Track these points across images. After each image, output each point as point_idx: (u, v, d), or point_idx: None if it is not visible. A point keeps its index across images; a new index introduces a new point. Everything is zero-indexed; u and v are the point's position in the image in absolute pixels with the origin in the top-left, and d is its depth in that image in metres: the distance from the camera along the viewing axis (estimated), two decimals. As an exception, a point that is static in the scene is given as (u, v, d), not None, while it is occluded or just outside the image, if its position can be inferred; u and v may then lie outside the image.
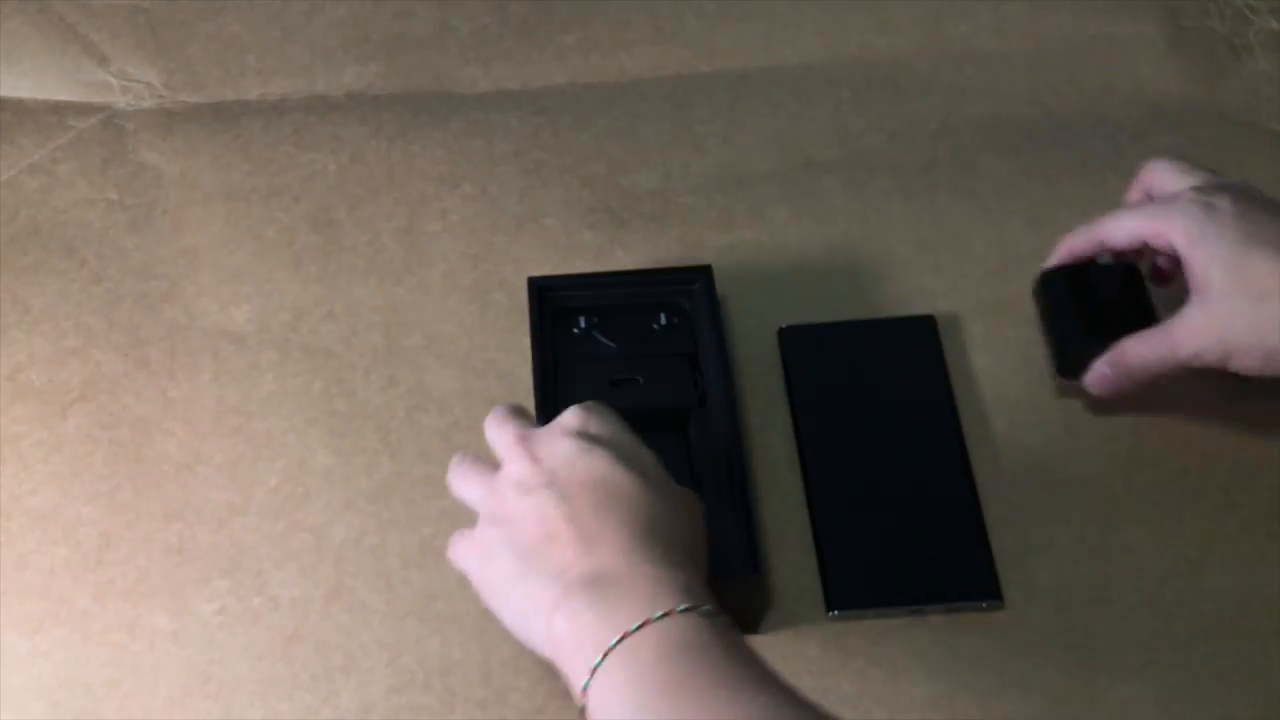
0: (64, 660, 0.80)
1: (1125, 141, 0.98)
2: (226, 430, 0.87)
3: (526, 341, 0.85)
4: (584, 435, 0.69)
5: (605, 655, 0.60)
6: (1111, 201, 0.95)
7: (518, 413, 0.74)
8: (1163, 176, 0.83)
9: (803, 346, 0.88)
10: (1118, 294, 0.85)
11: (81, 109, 1.01)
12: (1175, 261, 0.80)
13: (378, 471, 0.86)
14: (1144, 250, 0.83)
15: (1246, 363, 0.76)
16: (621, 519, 0.66)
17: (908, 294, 0.92)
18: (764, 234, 0.95)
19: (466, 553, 0.70)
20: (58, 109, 1.01)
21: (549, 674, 0.74)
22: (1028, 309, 0.90)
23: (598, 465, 0.67)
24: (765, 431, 0.86)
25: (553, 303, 0.86)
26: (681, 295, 0.87)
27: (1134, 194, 0.85)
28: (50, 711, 0.78)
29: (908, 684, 0.79)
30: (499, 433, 0.72)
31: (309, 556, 0.83)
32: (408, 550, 0.83)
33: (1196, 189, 0.80)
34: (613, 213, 0.96)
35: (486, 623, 0.80)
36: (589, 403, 0.72)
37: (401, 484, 0.85)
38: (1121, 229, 0.81)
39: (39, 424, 0.88)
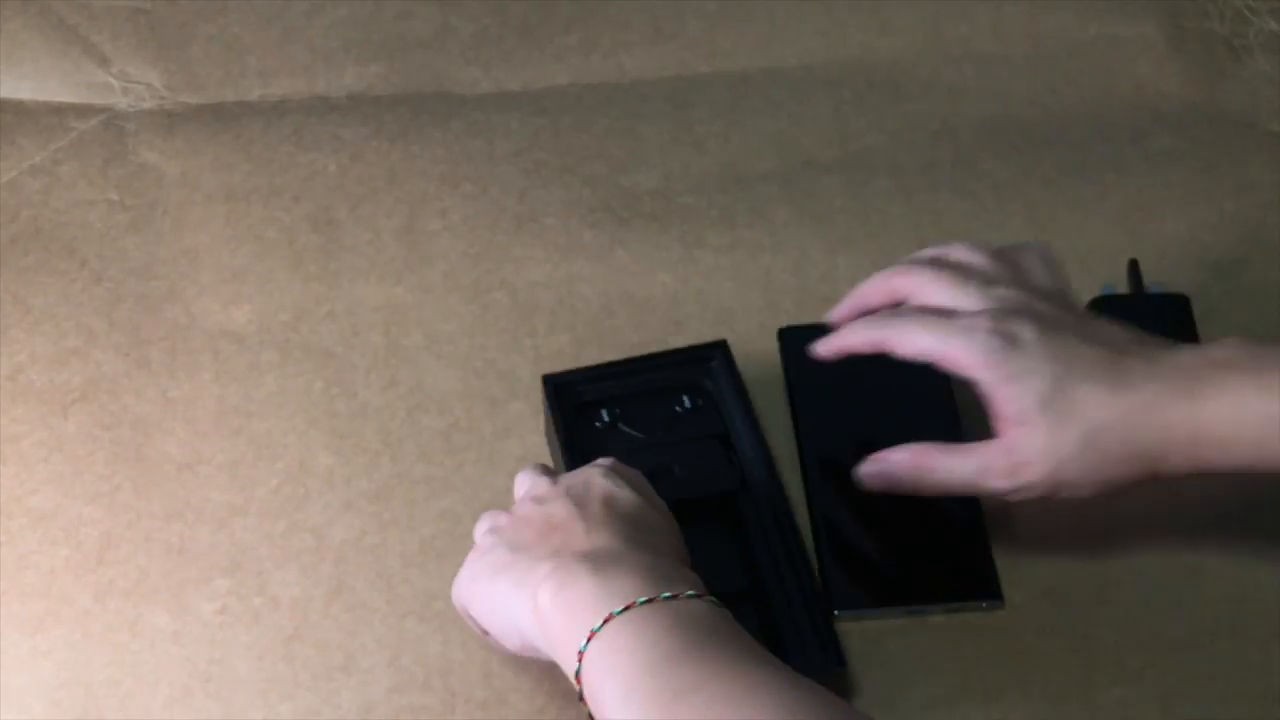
0: (65, 660, 0.80)
1: (1125, 142, 0.98)
2: (227, 430, 0.87)
3: (527, 343, 0.86)
4: (609, 467, 0.71)
5: (607, 621, 0.60)
6: (1110, 202, 0.96)
7: (631, 471, 0.74)
8: (925, 288, 0.76)
9: (803, 346, 0.88)
10: (1167, 326, 0.85)
11: (82, 110, 1.01)
12: None
13: (378, 472, 0.86)
14: None
15: (1075, 494, 0.73)
16: (632, 527, 0.66)
17: (908, 295, 0.92)
18: (764, 234, 0.95)
19: (460, 575, 0.72)
20: (59, 110, 1.01)
21: (550, 675, 0.74)
22: (1028, 309, 0.90)
23: (611, 484, 0.68)
24: (765, 432, 0.86)
25: (571, 399, 0.83)
26: (701, 375, 0.85)
27: (876, 295, 0.79)
28: (51, 711, 0.78)
29: (908, 684, 0.78)
30: (524, 475, 0.74)
31: (309, 556, 0.83)
32: (408, 550, 0.83)
33: (991, 315, 0.73)
34: (613, 212, 0.96)
35: (487, 622, 0.80)
36: (612, 461, 0.73)
37: (402, 484, 0.85)
38: (911, 343, 0.74)
39: (40, 424, 0.88)
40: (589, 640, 0.60)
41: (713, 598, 0.62)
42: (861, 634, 0.80)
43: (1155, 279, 0.90)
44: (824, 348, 0.78)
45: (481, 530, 0.74)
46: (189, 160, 0.99)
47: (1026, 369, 0.70)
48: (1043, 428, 0.70)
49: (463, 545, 0.82)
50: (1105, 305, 0.89)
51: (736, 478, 0.81)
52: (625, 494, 0.68)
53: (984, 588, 0.80)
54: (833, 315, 0.80)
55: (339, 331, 0.91)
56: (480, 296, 0.92)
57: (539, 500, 0.69)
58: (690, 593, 0.61)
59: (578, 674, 0.61)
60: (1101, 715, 0.77)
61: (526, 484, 0.74)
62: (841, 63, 1.03)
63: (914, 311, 0.75)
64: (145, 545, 0.83)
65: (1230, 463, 0.70)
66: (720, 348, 0.85)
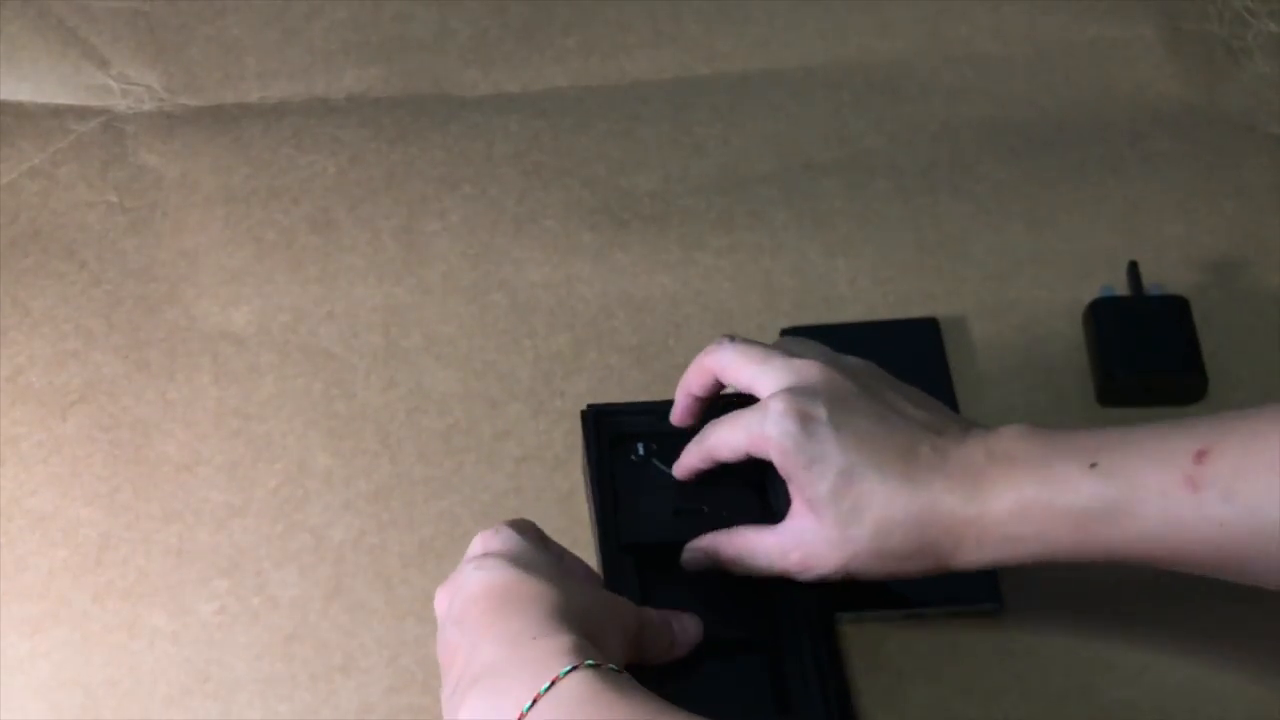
0: (63, 660, 0.79)
1: (1124, 144, 0.98)
2: (226, 432, 0.87)
3: (526, 344, 0.85)
4: (480, 556, 0.68)
5: None
6: (1110, 204, 0.96)
7: (504, 532, 0.71)
8: (732, 365, 0.75)
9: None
10: (1167, 327, 0.86)
11: (81, 112, 1.01)
12: None
13: (377, 473, 0.85)
14: None
15: (871, 578, 0.72)
16: (510, 614, 0.64)
17: (907, 296, 0.92)
18: (764, 236, 0.95)
19: None
20: (58, 112, 1.01)
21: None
22: (1027, 312, 0.90)
23: (485, 577, 0.66)
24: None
25: (610, 429, 0.81)
26: None
27: (695, 379, 0.78)
28: (49, 712, 0.78)
29: (908, 686, 0.78)
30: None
31: (308, 557, 0.83)
32: (407, 551, 0.83)
33: (790, 395, 0.71)
34: (612, 214, 0.96)
35: (486, 623, 0.80)
36: (499, 524, 0.71)
37: (401, 485, 0.85)
38: (727, 445, 0.74)
39: (38, 426, 0.88)
40: None
41: (590, 661, 0.61)
42: (861, 634, 0.80)
43: (1155, 281, 0.90)
44: (680, 471, 0.78)
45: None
46: (188, 162, 0.99)
47: (819, 455, 0.70)
48: (832, 521, 0.70)
49: (461, 546, 0.81)
50: (1105, 307, 0.89)
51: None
52: (494, 578, 0.66)
53: (983, 589, 0.80)
54: (673, 419, 0.79)
55: (338, 333, 0.91)
56: (479, 298, 0.92)
57: (439, 627, 0.69)
58: (566, 669, 0.60)
59: None
60: (1101, 715, 0.77)
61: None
62: (841, 64, 1.03)
63: (722, 420, 0.75)
64: (144, 546, 0.83)
65: (1018, 556, 0.70)
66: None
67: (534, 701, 0.59)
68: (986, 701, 0.78)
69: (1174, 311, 0.89)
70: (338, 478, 0.85)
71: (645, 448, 0.80)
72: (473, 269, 0.93)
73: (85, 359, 0.90)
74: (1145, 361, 0.86)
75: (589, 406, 0.81)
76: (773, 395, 0.72)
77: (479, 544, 0.70)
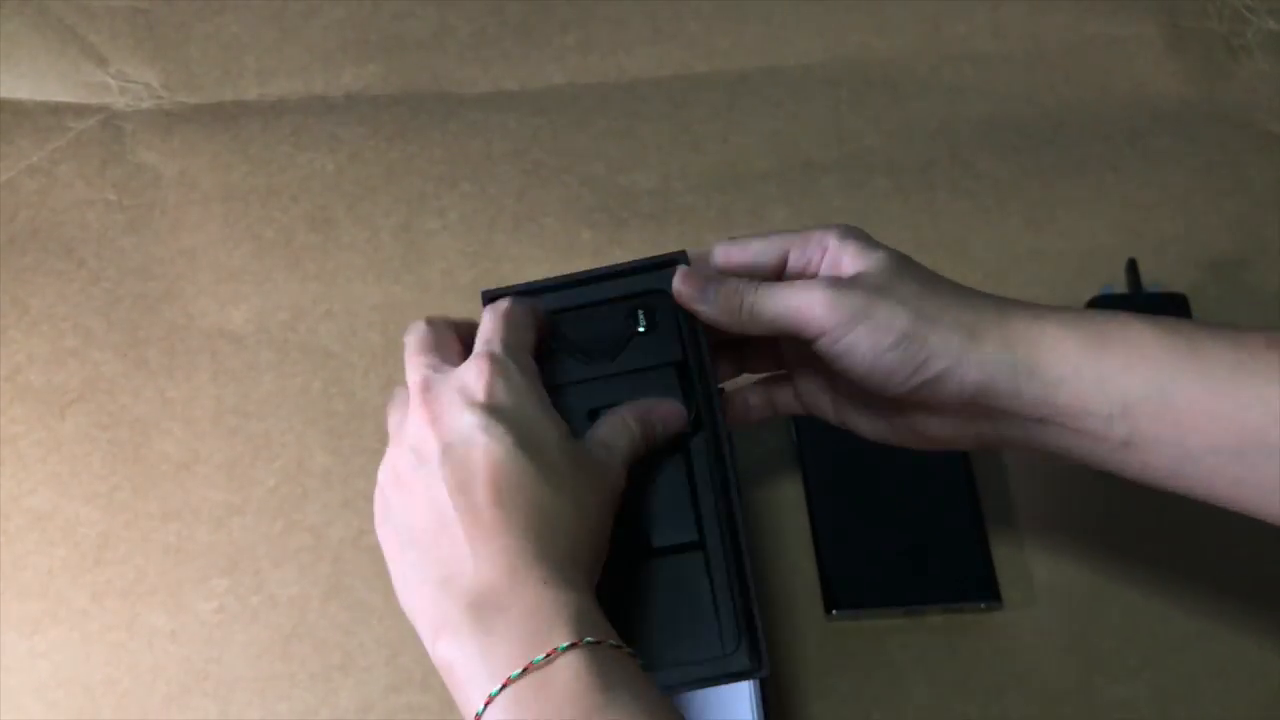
0: (62, 660, 0.80)
1: (1123, 142, 0.98)
2: (225, 430, 0.87)
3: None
4: (487, 408, 0.64)
5: (489, 703, 0.58)
6: (1109, 201, 0.96)
7: (437, 337, 0.69)
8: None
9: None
10: None
11: (80, 110, 1.01)
12: (775, 359, 0.75)
13: (376, 471, 0.85)
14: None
15: (880, 336, 0.66)
16: (513, 517, 0.62)
17: (906, 294, 0.92)
18: (763, 234, 0.95)
19: (378, 498, 0.67)
20: (56, 110, 1.01)
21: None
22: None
23: (496, 449, 0.62)
24: (765, 431, 0.86)
25: None
26: (659, 287, 0.73)
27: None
28: (48, 711, 0.78)
29: (907, 684, 0.79)
30: (410, 364, 0.68)
31: (307, 556, 0.83)
32: (406, 550, 0.83)
33: None
34: (611, 212, 0.96)
35: (485, 622, 0.80)
36: (497, 356, 0.66)
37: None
38: (764, 238, 0.72)
39: (37, 424, 0.88)
40: (486, 706, 0.58)
41: (590, 639, 0.59)
42: (861, 634, 0.80)
43: (1154, 279, 0.90)
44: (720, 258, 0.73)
45: (390, 428, 0.68)
46: (187, 160, 0.99)
47: (886, 251, 0.68)
48: (874, 276, 0.67)
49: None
50: (1104, 305, 0.89)
51: (690, 419, 0.70)
52: (505, 456, 0.62)
53: (983, 588, 0.80)
54: (719, 257, 0.73)
55: (337, 331, 0.91)
56: (478, 295, 0.92)
57: (419, 458, 0.64)
58: (564, 644, 0.58)
59: None
60: (1101, 715, 0.78)
61: (408, 381, 0.67)
62: (840, 62, 1.03)
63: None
64: (143, 545, 0.83)
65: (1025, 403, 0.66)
66: (682, 257, 0.73)
67: (524, 670, 0.58)
68: (986, 701, 0.78)
69: (1173, 309, 0.89)
70: (336, 476, 0.85)
71: (554, 340, 0.73)
72: (472, 267, 0.93)
73: (84, 357, 0.90)
74: None
75: (484, 292, 0.74)
76: None
77: (481, 384, 0.65)
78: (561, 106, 1.01)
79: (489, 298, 0.73)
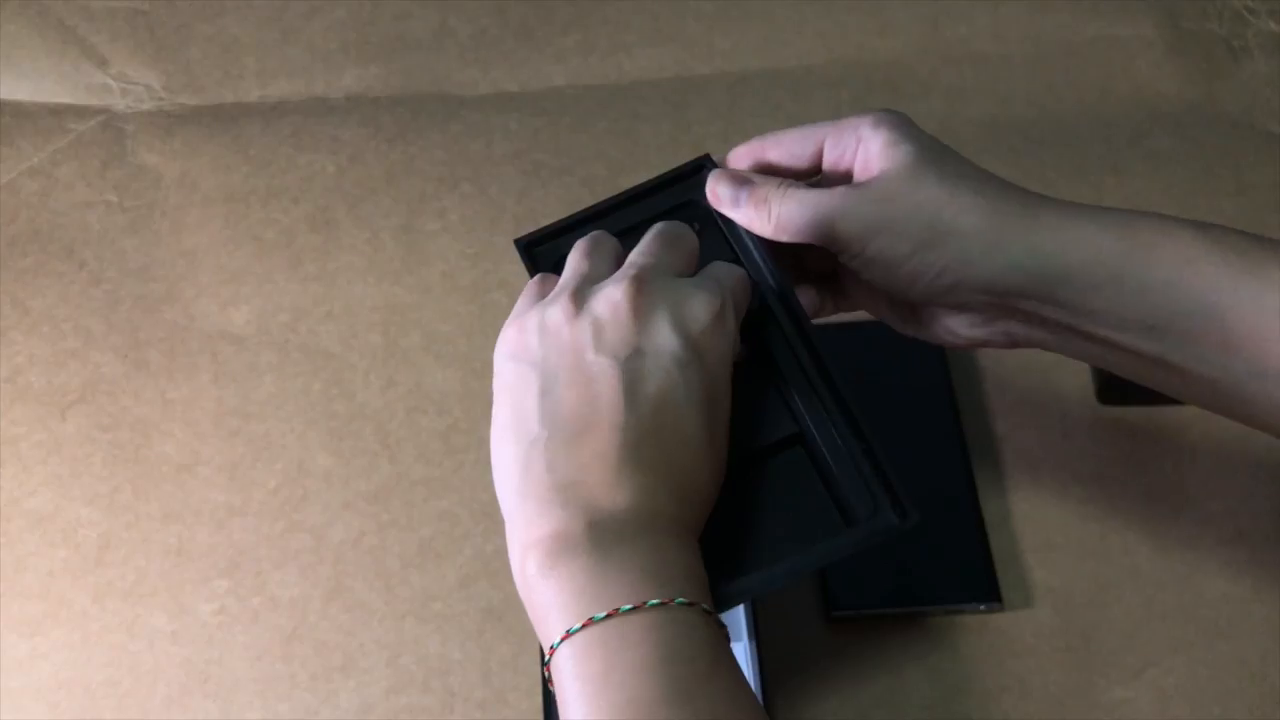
0: (63, 661, 0.80)
1: (1123, 143, 0.98)
2: (225, 431, 0.87)
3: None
4: (697, 346, 0.60)
5: (585, 625, 0.54)
6: (1109, 202, 0.95)
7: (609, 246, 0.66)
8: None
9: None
10: None
11: (81, 111, 1.01)
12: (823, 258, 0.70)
13: (377, 473, 0.86)
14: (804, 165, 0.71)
15: (900, 243, 0.64)
16: (662, 465, 0.58)
17: (907, 295, 0.92)
18: (763, 235, 0.95)
19: (515, 334, 0.62)
20: (57, 112, 1.01)
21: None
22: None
23: (682, 393, 0.59)
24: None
25: (551, 259, 0.73)
26: (695, 193, 0.73)
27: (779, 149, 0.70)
28: (49, 712, 0.78)
29: (908, 684, 0.79)
30: (588, 256, 0.65)
31: (308, 557, 0.83)
32: (407, 551, 0.83)
33: None
34: (612, 213, 0.96)
35: (485, 623, 0.80)
36: (727, 304, 0.63)
37: (400, 485, 0.85)
38: (800, 131, 0.69)
39: (38, 426, 0.88)
40: (562, 640, 0.54)
41: (705, 606, 0.56)
42: (861, 634, 0.80)
43: (1154, 279, 0.90)
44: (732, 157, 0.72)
45: (508, 345, 0.62)
46: (187, 161, 0.99)
47: (919, 134, 0.66)
48: (906, 165, 0.64)
49: (461, 545, 0.82)
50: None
51: (756, 300, 0.69)
52: (680, 401, 0.58)
53: (983, 589, 0.80)
54: (733, 157, 0.73)
55: (338, 332, 0.91)
56: (479, 297, 0.92)
57: (598, 332, 0.60)
58: (654, 601, 0.54)
59: (546, 663, 0.56)
60: (1101, 715, 0.77)
61: (588, 260, 0.64)
62: (840, 63, 1.03)
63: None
64: (144, 546, 0.83)
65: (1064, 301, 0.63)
66: (708, 161, 0.74)
67: (608, 615, 0.54)
68: (987, 702, 0.78)
69: None
70: (337, 477, 0.85)
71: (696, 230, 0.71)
72: (472, 268, 0.93)
73: (85, 359, 0.90)
74: None
75: (517, 240, 0.74)
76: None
77: (705, 307, 0.61)
78: (562, 107, 1.01)
79: (524, 245, 0.73)
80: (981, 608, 0.80)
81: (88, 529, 0.84)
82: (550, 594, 0.55)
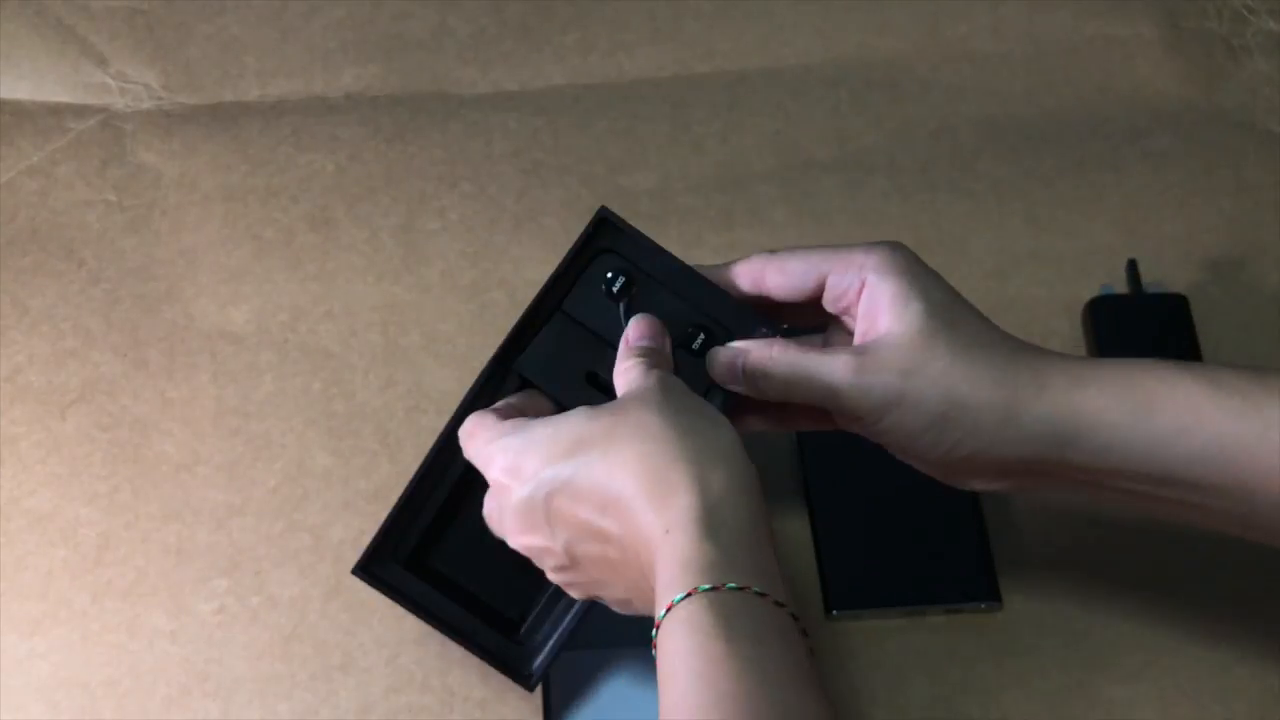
0: (62, 661, 0.80)
1: (1123, 142, 0.98)
2: (225, 431, 0.87)
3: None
4: (526, 486, 0.65)
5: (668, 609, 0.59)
6: (1109, 202, 0.96)
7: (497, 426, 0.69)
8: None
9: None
10: (1165, 325, 0.87)
11: (80, 111, 1.01)
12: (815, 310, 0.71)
13: (376, 472, 0.85)
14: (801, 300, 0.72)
15: (912, 417, 0.65)
16: (628, 493, 0.62)
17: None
18: (763, 234, 0.95)
19: (575, 593, 0.69)
20: (56, 111, 1.01)
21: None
22: (1026, 310, 0.90)
23: (568, 491, 0.64)
24: (764, 431, 0.86)
25: (606, 241, 0.74)
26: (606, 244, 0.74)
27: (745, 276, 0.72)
28: (49, 712, 0.78)
29: (907, 684, 0.79)
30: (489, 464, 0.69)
31: (308, 556, 0.83)
32: (407, 550, 0.83)
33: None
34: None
35: (485, 622, 0.80)
36: (476, 447, 0.69)
37: (400, 484, 0.84)
38: (805, 260, 0.70)
39: (37, 425, 0.88)
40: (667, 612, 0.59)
41: (732, 585, 0.59)
42: (861, 634, 0.80)
43: (1154, 279, 0.90)
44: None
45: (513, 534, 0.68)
46: (187, 160, 0.98)
47: (927, 279, 0.68)
48: (918, 330, 0.66)
49: (461, 545, 0.82)
50: (1104, 305, 0.89)
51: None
52: (574, 479, 0.64)
53: (983, 589, 0.80)
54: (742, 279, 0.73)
55: (337, 331, 0.91)
56: (478, 296, 0.92)
57: (564, 568, 0.67)
58: (704, 586, 0.58)
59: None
60: (1101, 715, 0.78)
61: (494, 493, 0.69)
62: (840, 62, 1.03)
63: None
64: (143, 546, 0.83)
65: (1098, 458, 0.65)
66: (607, 212, 0.74)
67: (668, 609, 0.58)
68: (986, 701, 0.78)
69: (1173, 309, 0.89)
70: (337, 477, 0.85)
71: (620, 285, 0.74)
72: (472, 267, 0.93)
73: (84, 358, 0.90)
74: None
75: (603, 208, 0.74)
76: (878, 241, 0.69)
77: (500, 475, 0.67)
78: (561, 107, 1.01)
79: (598, 218, 0.74)
80: (981, 607, 0.80)
81: (87, 528, 0.84)
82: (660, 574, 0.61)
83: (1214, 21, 1.04)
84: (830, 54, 1.03)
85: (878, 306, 0.67)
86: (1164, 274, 0.91)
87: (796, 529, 0.83)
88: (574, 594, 0.69)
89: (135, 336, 0.91)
